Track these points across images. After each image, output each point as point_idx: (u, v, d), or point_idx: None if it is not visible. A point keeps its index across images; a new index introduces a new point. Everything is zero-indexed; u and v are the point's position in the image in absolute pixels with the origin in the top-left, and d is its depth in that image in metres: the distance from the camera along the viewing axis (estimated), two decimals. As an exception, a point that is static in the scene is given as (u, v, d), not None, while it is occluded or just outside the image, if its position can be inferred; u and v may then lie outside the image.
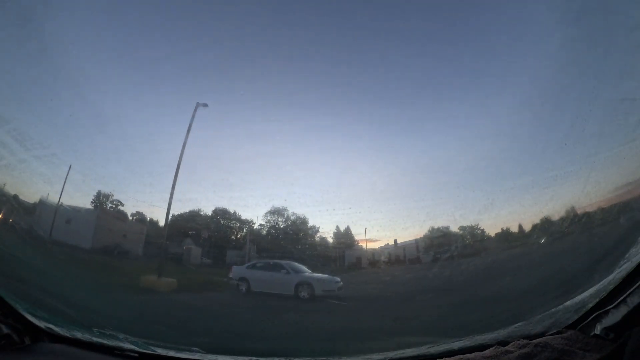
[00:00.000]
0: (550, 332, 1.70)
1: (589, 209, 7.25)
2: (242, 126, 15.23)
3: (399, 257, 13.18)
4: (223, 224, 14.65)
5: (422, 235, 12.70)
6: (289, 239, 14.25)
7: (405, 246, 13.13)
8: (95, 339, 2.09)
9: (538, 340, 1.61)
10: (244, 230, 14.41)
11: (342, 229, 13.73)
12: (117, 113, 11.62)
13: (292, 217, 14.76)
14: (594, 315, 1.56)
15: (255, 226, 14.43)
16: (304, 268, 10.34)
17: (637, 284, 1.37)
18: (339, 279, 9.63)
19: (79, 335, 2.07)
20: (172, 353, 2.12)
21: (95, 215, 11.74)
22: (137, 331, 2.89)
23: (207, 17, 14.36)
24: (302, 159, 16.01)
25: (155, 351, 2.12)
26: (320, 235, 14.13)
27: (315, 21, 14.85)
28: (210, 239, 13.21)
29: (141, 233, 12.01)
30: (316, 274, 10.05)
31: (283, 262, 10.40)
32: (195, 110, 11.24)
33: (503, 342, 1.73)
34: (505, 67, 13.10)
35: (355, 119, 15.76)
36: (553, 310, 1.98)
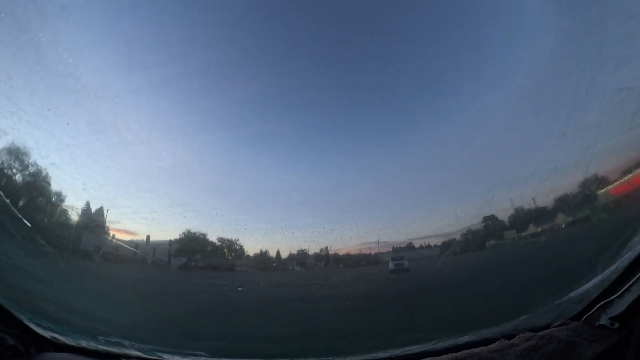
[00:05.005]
0: (556, 324, 1.71)
1: (590, 200, 7.25)
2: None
3: (145, 256, 10.99)
4: None
5: (177, 237, 11.96)
6: (15, 193, 9.66)
7: (156, 245, 11.38)
8: (100, 347, 2.09)
9: (543, 332, 1.61)
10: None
11: (95, 208, 10.59)
12: (114, 120, 11.63)
13: (33, 169, 10.38)
14: (598, 306, 1.56)
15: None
16: None
17: (641, 273, 1.37)
18: None
19: (84, 343, 2.07)
20: (178, 358, 2.12)
21: None
22: None
23: (202, 22, 14.37)
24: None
25: (161, 357, 2.12)
26: (64, 207, 10.54)
27: (312, 22, 14.85)
28: None
29: None
30: None
31: None
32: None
33: (509, 336, 1.73)
34: (501, 60, 13.13)
35: (349, 117, 15.74)
36: (557, 302, 1.99)
